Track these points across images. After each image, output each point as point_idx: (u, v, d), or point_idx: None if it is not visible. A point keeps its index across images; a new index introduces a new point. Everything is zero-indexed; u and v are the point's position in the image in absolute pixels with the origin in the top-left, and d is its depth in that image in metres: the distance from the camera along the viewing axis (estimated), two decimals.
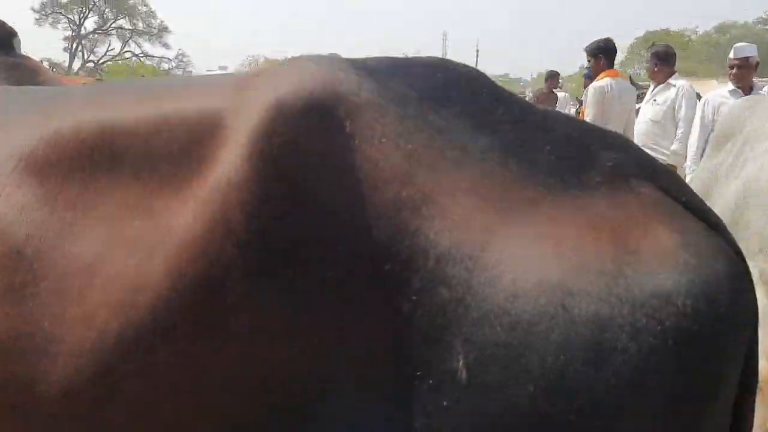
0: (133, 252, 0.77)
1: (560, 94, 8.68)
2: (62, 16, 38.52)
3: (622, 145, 0.79)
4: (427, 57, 0.91)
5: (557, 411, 0.62)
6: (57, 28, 37.96)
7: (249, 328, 0.74)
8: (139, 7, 39.37)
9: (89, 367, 0.76)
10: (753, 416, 0.80)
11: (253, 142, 0.74)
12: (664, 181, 0.74)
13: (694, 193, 0.77)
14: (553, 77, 8.70)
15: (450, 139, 0.74)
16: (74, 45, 37.92)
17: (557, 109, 5.08)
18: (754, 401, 0.78)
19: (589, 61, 4.91)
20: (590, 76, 5.30)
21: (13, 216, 0.81)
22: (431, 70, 0.83)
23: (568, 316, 0.64)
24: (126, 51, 40.30)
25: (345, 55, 0.89)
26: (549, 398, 0.63)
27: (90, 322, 0.76)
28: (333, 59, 0.83)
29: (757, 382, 0.78)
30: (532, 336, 0.64)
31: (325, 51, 1.71)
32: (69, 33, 38.31)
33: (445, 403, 0.66)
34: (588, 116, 4.64)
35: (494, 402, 0.64)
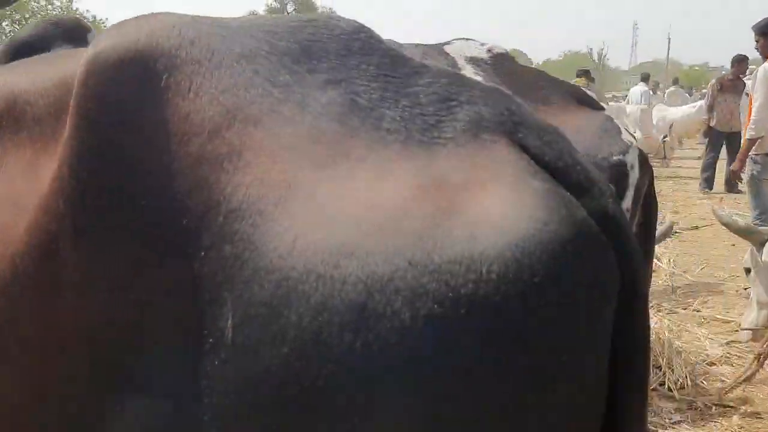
0: (9, 209, 0.81)
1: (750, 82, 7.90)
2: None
3: (492, 99, 0.72)
4: (309, 14, 0.89)
5: (309, 375, 0.57)
6: None
7: (75, 281, 0.73)
8: None
9: None
10: (642, 407, 0.74)
11: (74, 98, 0.75)
12: (528, 137, 0.69)
13: (572, 152, 0.69)
14: (740, 62, 7.88)
15: (290, 95, 0.71)
16: None
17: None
18: (640, 389, 0.73)
19: (757, 40, 4.59)
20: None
21: None
22: (301, 26, 0.80)
23: (338, 277, 0.58)
24: None
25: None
26: (302, 361, 0.58)
27: None
28: (194, 17, 0.83)
29: (641, 364, 0.73)
30: (294, 295, 0.59)
31: None
32: None
33: (216, 363, 0.63)
34: (756, 100, 4.36)
35: (252, 364, 0.60)
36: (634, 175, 1.33)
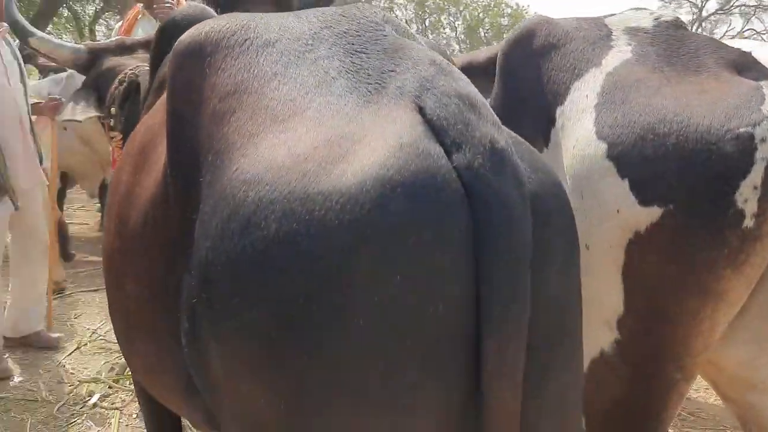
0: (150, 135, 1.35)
1: None
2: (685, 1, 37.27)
3: (420, 72, 0.91)
4: (351, 6, 1.10)
5: (234, 245, 0.88)
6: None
7: (172, 196, 1.11)
8: None
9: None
10: (500, 357, 0.81)
11: (168, 73, 1.20)
12: (428, 102, 0.86)
13: (462, 116, 0.84)
14: None
15: (280, 72, 0.98)
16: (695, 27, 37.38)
17: None
18: (497, 337, 0.81)
19: None
20: None
21: None
22: (336, 18, 1.06)
23: (250, 195, 0.86)
24: (747, 29, 37.04)
25: None
26: (227, 240, 0.90)
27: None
28: (252, 15, 1.15)
29: (501, 316, 0.80)
30: (229, 199, 0.91)
31: None
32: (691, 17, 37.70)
33: (198, 237, 0.99)
34: None
35: (208, 234, 0.95)
36: (765, 150, 1.20)
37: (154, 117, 1.37)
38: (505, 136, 0.85)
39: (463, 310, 0.81)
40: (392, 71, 0.93)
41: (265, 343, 0.83)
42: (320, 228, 0.78)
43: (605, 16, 1.55)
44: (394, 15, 1.08)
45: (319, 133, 0.87)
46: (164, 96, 1.23)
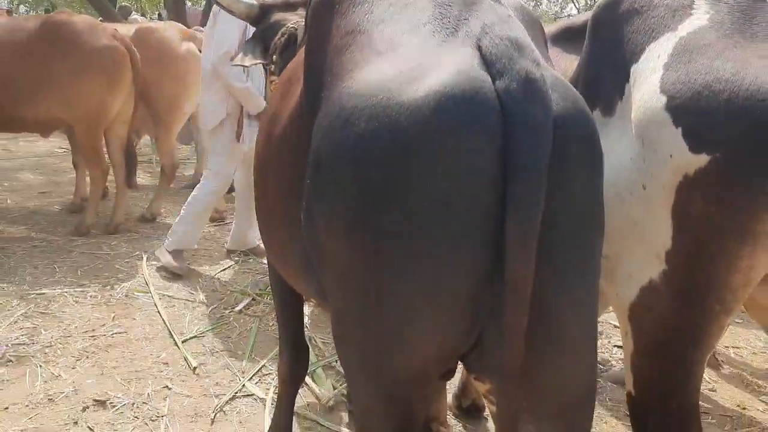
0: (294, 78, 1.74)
1: None
2: None
3: (484, 18, 1.21)
4: None
5: (333, 140, 1.23)
6: None
7: (305, 116, 1.47)
8: None
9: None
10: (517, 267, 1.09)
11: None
12: (484, 42, 1.15)
13: (507, 53, 1.13)
14: None
15: (390, 18, 1.31)
16: None
17: None
18: (514, 248, 1.10)
19: None
20: None
21: None
22: None
23: (353, 101, 1.19)
24: None
25: None
26: (331, 134, 1.24)
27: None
28: None
29: (513, 230, 1.07)
30: (340, 102, 1.23)
31: None
32: None
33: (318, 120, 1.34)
34: None
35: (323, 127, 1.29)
36: None
37: (298, 58, 1.75)
38: (541, 70, 1.13)
39: (493, 196, 1.11)
40: (466, 19, 1.23)
41: (353, 208, 1.18)
42: (394, 127, 1.11)
43: None
44: None
45: (406, 62, 1.18)
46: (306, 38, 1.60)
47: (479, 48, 1.16)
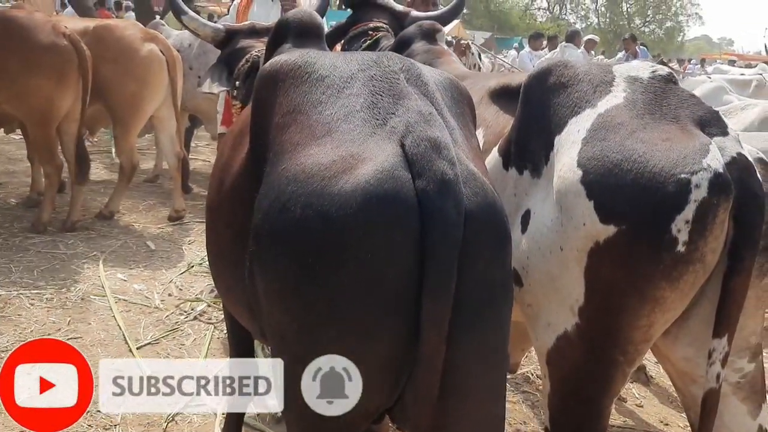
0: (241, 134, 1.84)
1: None
2: None
3: (409, 115, 1.34)
4: (379, 53, 1.54)
5: (276, 219, 1.35)
6: None
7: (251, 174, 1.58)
8: None
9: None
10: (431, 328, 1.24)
11: (253, 93, 1.70)
12: (407, 140, 1.30)
13: (429, 152, 1.27)
14: None
15: (323, 101, 1.42)
16: None
17: None
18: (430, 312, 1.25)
19: None
20: None
21: None
22: (368, 62, 1.48)
23: (288, 190, 1.32)
24: None
25: None
26: (273, 213, 1.35)
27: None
28: (318, 53, 1.63)
29: (430, 301, 1.23)
30: (275, 186, 1.37)
31: None
32: None
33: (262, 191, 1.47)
34: None
35: (264, 204, 1.41)
36: (697, 194, 1.54)
37: (247, 113, 1.87)
38: (455, 170, 1.27)
39: (412, 278, 1.26)
40: (393, 113, 1.36)
41: (287, 279, 1.32)
42: (325, 216, 1.25)
43: (615, 64, 1.89)
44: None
45: (339, 151, 1.30)
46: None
47: (402, 146, 1.29)
